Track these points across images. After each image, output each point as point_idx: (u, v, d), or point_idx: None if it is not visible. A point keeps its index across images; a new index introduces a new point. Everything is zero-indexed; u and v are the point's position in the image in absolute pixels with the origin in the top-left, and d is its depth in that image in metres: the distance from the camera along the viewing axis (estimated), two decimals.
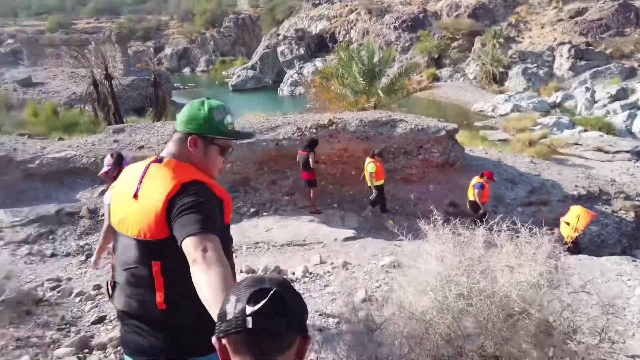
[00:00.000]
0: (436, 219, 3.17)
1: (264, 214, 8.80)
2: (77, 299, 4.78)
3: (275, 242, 7.95)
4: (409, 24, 38.20)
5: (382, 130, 9.69)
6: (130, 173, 1.89)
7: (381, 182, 8.70)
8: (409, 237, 3.49)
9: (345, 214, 9.24)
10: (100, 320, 4.19)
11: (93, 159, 9.24)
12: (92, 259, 3.51)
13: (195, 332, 1.65)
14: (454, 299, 2.74)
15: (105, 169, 3.96)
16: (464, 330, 2.70)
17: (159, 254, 1.68)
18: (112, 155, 4.00)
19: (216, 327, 1.05)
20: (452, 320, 2.71)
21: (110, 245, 2.04)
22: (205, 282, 1.45)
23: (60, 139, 12.66)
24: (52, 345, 3.47)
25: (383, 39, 37.79)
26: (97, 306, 4.61)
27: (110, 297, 1.86)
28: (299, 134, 9.14)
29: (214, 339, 1.06)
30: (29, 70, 32.64)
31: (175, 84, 38.67)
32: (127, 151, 9.15)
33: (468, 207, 8.51)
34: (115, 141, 9.46)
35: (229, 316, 1.02)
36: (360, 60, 14.51)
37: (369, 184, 8.55)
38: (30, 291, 4.79)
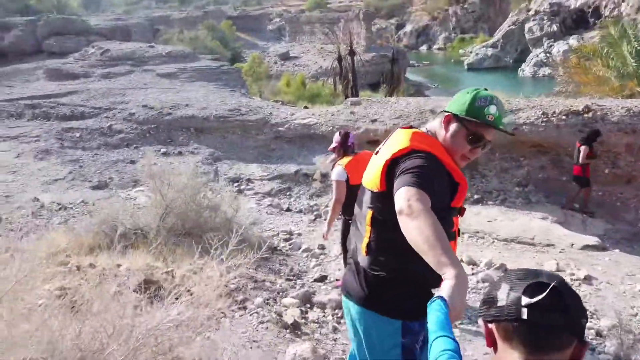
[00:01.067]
0: None
1: (489, 202, 8.18)
2: (304, 254, 5.22)
3: (498, 235, 7.32)
4: None
5: None
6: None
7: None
8: None
9: (586, 217, 7.93)
10: (322, 279, 4.46)
11: (330, 128, 9.94)
12: (324, 230, 3.81)
13: (394, 290, 1.76)
14: None
15: (333, 144, 4.15)
16: None
17: (374, 204, 1.82)
18: (339, 133, 4.18)
19: (482, 310, 1.07)
20: None
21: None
22: (416, 230, 1.48)
23: (306, 107, 14.02)
24: (281, 293, 3.83)
25: None
26: (320, 264, 4.93)
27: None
28: (544, 119, 8.10)
29: (480, 321, 1.07)
30: (288, 45, 37.24)
31: (410, 61, 39.08)
32: (360, 123, 9.56)
33: None
34: (351, 113, 9.97)
35: (500, 303, 1.02)
36: (636, 38, 12.03)
37: None
38: (268, 239, 5.42)
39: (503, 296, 1.02)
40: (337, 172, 3.93)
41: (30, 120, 12.45)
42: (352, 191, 3.75)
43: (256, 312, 3.13)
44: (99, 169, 9.84)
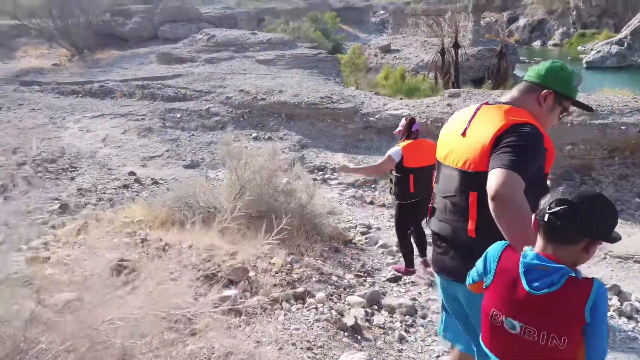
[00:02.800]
0: None
1: None
2: (380, 251, 4.84)
3: (611, 251, 6.37)
4: None
5: None
6: (459, 116, 2.03)
7: None
8: None
9: None
10: (396, 279, 4.06)
11: (424, 120, 9.37)
12: (348, 164, 3.57)
13: None
14: None
15: (399, 128, 4.44)
16: None
17: (478, 184, 1.76)
18: (405, 118, 4.47)
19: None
20: None
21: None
22: (504, 221, 1.62)
23: (401, 99, 13.47)
24: (347, 289, 3.51)
25: None
26: (396, 263, 4.53)
27: (428, 220, 2.10)
28: None
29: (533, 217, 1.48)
30: (390, 37, 36.40)
31: (521, 57, 36.36)
32: None
33: None
34: (448, 105, 9.31)
35: (540, 207, 1.44)
36: None
37: None
38: (343, 230, 5.11)
39: (542, 202, 1.43)
40: (394, 150, 4.20)
41: (139, 100, 13.30)
42: (405, 173, 4.12)
43: (315, 308, 2.82)
44: (193, 149, 10.19)
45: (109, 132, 10.91)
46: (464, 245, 1.85)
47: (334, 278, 3.55)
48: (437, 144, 2.07)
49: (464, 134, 1.88)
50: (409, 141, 4.22)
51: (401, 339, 2.90)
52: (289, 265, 3.41)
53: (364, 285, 3.69)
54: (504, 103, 1.88)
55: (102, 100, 13.74)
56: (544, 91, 1.86)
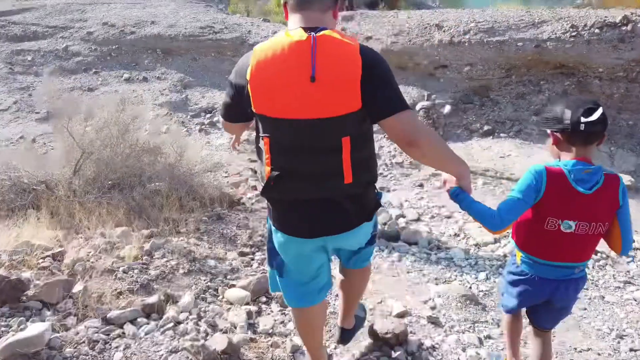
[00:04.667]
0: None
1: (501, 135, 7.01)
2: None
3: (512, 174, 6.24)
4: None
5: None
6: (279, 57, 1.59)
7: None
8: None
9: (616, 150, 6.81)
10: None
11: None
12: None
13: (368, 199, 1.78)
14: None
15: None
16: None
17: (350, 128, 1.62)
18: None
19: (550, 124, 1.83)
20: None
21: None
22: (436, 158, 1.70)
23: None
24: (228, 277, 2.74)
25: None
26: None
27: (270, 190, 1.70)
28: (573, 33, 6.71)
29: (549, 131, 1.86)
30: None
31: None
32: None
33: None
34: (342, 29, 8.49)
35: (566, 121, 1.74)
36: None
37: None
38: (231, 188, 4.28)
39: (567, 116, 1.74)
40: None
41: None
42: None
43: (173, 326, 2.03)
44: (50, 98, 8.50)
45: None
46: (342, 194, 1.73)
47: (211, 263, 2.75)
48: (260, 94, 1.61)
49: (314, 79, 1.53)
50: None
51: (295, 351, 2.19)
52: (145, 257, 2.55)
53: (251, 266, 2.92)
54: (319, 29, 1.58)
55: None
56: (336, 5, 1.73)
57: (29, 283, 2.08)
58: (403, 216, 4.82)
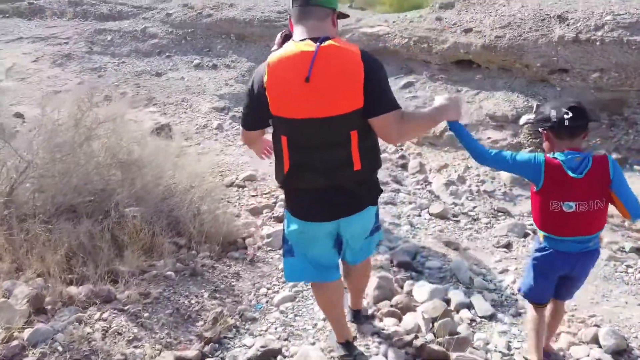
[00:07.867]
0: None
1: (635, 167, 5.26)
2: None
3: None
4: None
5: None
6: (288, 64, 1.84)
7: None
8: None
9: None
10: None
11: (406, 40, 7.19)
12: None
13: (373, 183, 2.06)
14: None
15: (274, 47, 3.58)
16: None
17: (356, 123, 1.83)
18: (281, 34, 3.62)
19: (540, 124, 2.15)
20: None
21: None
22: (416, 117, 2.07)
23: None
24: None
25: None
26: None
27: (288, 182, 1.96)
28: None
29: (541, 130, 2.18)
30: None
31: None
32: (447, 35, 6.68)
33: None
34: (437, 19, 7.07)
35: (553, 119, 2.08)
36: None
37: None
38: (235, 226, 3.24)
39: (554, 114, 2.08)
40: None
41: (69, 20, 10.97)
42: None
43: None
44: (117, 81, 8.11)
45: (17, 61, 8.78)
46: (352, 181, 1.97)
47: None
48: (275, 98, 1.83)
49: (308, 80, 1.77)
50: None
51: None
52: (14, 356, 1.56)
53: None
54: (322, 39, 1.79)
55: (30, 21, 11.41)
56: (334, 13, 1.93)
57: None
58: None
